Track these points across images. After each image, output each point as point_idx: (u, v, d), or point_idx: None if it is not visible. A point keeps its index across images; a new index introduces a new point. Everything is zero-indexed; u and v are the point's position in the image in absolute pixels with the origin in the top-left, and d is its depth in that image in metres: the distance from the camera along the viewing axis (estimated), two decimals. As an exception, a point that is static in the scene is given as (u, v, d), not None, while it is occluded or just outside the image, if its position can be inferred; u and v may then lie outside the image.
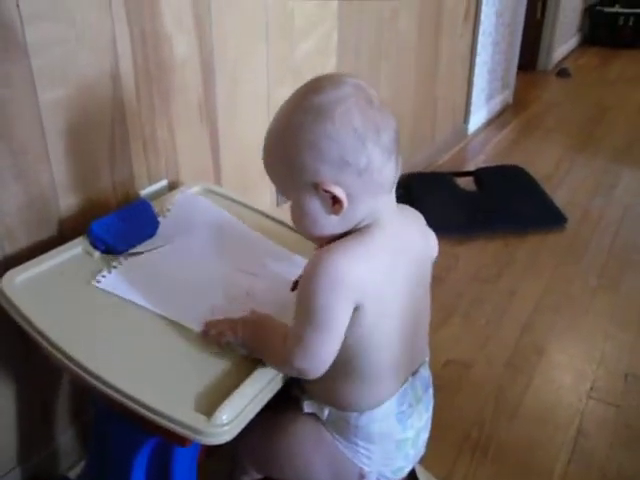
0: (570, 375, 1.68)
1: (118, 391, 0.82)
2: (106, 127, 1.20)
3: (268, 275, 1.05)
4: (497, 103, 3.71)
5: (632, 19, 5.36)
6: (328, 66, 1.85)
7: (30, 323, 0.91)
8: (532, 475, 1.38)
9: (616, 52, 5.30)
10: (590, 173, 2.96)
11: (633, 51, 5.30)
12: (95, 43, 1.13)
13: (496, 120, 3.64)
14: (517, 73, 3.92)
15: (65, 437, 1.27)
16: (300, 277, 0.96)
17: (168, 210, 1.20)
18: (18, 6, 0.98)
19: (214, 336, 0.88)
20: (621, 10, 5.43)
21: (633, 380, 1.65)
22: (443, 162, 3.02)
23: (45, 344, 0.89)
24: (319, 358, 0.80)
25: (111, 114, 1.20)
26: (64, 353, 0.87)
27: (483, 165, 2.94)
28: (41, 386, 1.21)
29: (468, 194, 2.62)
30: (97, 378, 0.83)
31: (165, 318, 0.94)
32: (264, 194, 1.72)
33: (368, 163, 0.77)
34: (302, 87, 0.82)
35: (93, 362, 0.85)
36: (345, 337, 0.80)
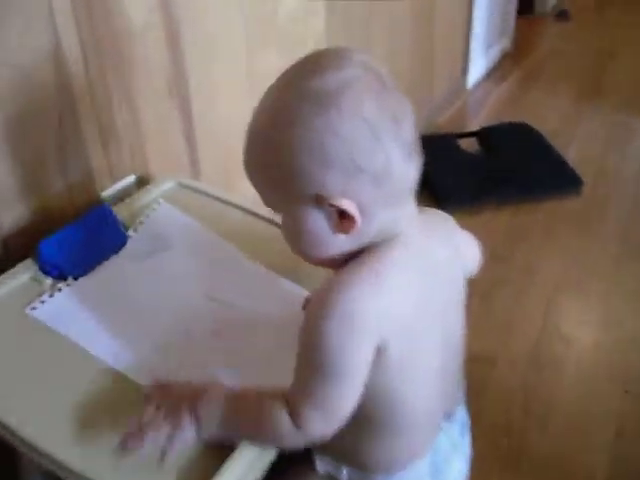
0: (601, 365, 1.51)
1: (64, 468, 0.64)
2: (51, 118, 0.98)
3: (247, 306, 0.84)
4: (496, 52, 3.45)
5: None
6: (316, 25, 1.61)
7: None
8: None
9: (616, -8, 4.99)
10: (600, 126, 2.74)
11: (634, -9, 4.99)
12: (27, 19, 0.89)
13: (496, 71, 3.39)
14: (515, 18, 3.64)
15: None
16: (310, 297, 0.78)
17: (141, 223, 0.99)
18: None
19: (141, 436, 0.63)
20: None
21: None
22: (443, 122, 2.77)
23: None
24: (335, 416, 0.62)
25: (56, 101, 0.97)
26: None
27: (486, 123, 2.71)
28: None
29: (473, 158, 2.40)
30: (30, 446, 0.66)
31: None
32: (249, 186, 1.50)
33: (386, 164, 0.59)
34: (294, 66, 0.62)
35: (25, 427, 0.67)
36: (367, 385, 0.62)
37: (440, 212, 0.77)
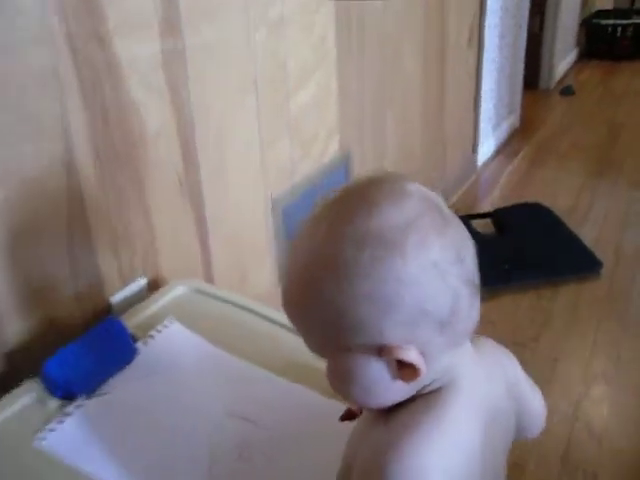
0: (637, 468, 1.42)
1: None
2: (61, 226, 0.95)
3: (270, 422, 0.80)
4: (505, 128, 3.49)
5: (630, 30, 5.17)
6: (329, 116, 1.61)
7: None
8: None
9: (617, 65, 5.08)
10: (615, 203, 2.71)
11: (635, 63, 5.08)
12: (42, 128, 0.89)
13: (506, 148, 3.41)
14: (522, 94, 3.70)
15: None
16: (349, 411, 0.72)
17: (151, 337, 0.95)
18: None
19: None
20: (618, 22, 5.24)
21: None
22: (455, 202, 2.77)
23: None
24: None
25: (66, 209, 0.95)
26: None
27: (498, 202, 2.70)
28: None
29: (487, 240, 2.37)
30: None
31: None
32: (263, 275, 1.47)
33: (454, 305, 0.53)
34: (338, 201, 0.55)
35: None
36: None
37: (493, 343, 0.68)
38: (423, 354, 0.53)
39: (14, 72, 0.84)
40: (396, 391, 0.56)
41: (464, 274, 0.53)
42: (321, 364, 0.58)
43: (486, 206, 2.68)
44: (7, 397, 0.84)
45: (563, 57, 4.85)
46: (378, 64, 1.87)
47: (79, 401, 0.82)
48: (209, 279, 1.28)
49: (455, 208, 2.69)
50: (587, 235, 2.37)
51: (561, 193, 2.78)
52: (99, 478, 0.72)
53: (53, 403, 0.83)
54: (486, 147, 3.19)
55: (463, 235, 0.55)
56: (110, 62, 0.97)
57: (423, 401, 0.56)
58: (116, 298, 1.07)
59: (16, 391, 0.85)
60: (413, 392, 0.57)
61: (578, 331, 1.89)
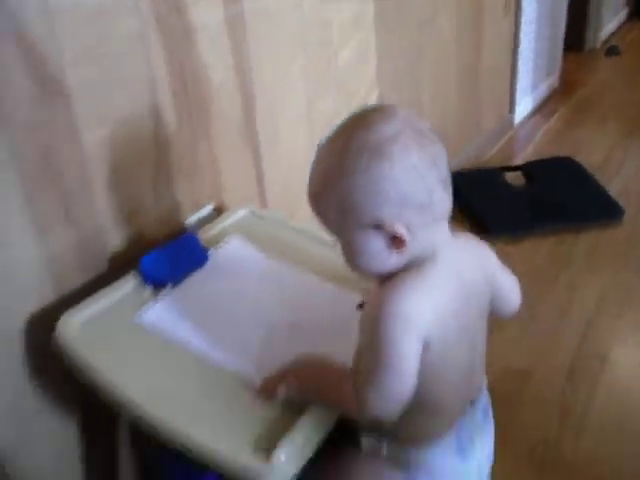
0: (636, 384, 1.61)
1: (175, 434, 0.83)
2: (149, 160, 1.20)
3: (316, 312, 1.03)
4: (543, 89, 3.59)
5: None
6: (368, 72, 1.82)
7: (88, 372, 0.94)
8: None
9: (668, 25, 5.04)
10: (646, 160, 2.83)
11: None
12: (134, 80, 1.13)
13: (543, 107, 3.52)
14: (564, 54, 3.76)
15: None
16: (364, 301, 0.94)
17: (221, 246, 1.20)
18: (56, 51, 0.99)
19: (269, 395, 0.87)
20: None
21: None
22: (490, 156, 2.93)
23: (105, 394, 0.91)
24: (395, 401, 0.78)
25: (154, 147, 1.20)
26: (123, 403, 0.89)
27: (532, 157, 2.85)
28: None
29: (518, 190, 2.53)
30: (153, 421, 0.85)
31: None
32: (309, 212, 1.70)
33: (429, 197, 0.74)
34: (347, 123, 0.77)
35: (149, 406, 0.87)
36: None
37: (475, 238, 0.90)
38: (408, 229, 0.75)
39: (112, 36, 1.08)
40: (392, 260, 0.78)
41: (438, 175, 0.75)
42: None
43: (520, 161, 2.82)
44: (111, 286, 1.09)
45: (611, 18, 4.84)
46: (414, 24, 2.05)
47: (167, 290, 1.08)
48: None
49: (490, 162, 2.85)
50: (613, 187, 2.50)
51: (594, 150, 2.90)
52: (184, 342, 0.97)
53: (146, 292, 1.09)
54: (523, 106, 3.31)
55: (439, 148, 0.76)
56: (186, 28, 1.20)
57: (406, 271, 0.79)
58: (189, 221, 1.32)
59: (118, 282, 1.10)
60: (404, 262, 0.78)
61: (596, 273, 2.06)
